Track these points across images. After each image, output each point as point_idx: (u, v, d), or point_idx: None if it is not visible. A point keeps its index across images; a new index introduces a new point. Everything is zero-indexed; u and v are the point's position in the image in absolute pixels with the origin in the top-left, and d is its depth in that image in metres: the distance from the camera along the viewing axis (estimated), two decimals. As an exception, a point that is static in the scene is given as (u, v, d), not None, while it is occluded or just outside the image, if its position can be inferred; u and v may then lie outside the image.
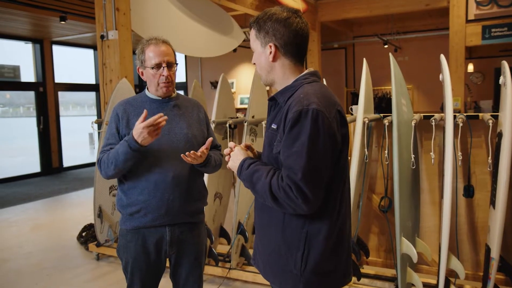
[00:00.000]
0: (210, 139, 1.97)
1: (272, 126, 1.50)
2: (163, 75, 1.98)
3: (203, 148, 1.93)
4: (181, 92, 2.63)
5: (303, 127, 1.35)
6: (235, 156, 1.56)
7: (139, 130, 1.84)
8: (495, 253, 2.57)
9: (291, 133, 1.37)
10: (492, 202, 2.69)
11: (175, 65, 2.05)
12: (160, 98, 2.05)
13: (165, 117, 1.87)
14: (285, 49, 1.48)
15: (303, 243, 1.44)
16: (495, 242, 2.56)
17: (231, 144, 1.61)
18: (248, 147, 1.64)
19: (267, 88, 1.53)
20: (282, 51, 1.48)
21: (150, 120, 1.83)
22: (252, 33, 1.53)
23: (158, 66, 1.97)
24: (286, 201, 1.37)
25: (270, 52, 1.49)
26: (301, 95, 1.41)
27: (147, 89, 2.08)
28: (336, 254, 1.48)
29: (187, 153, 1.89)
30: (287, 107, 1.43)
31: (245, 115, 3.54)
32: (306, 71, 1.53)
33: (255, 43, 1.53)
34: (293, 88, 1.48)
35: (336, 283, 1.52)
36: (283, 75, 1.52)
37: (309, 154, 1.34)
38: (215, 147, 2.20)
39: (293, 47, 1.48)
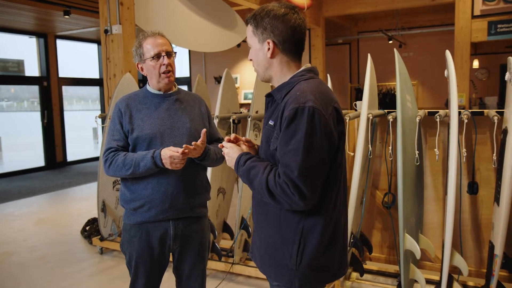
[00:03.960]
0: (204, 130, 1.95)
1: (269, 123, 1.50)
2: (163, 64, 1.98)
3: (198, 141, 1.92)
4: (185, 87, 2.63)
5: (299, 124, 1.35)
6: (230, 153, 1.57)
7: (176, 160, 1.86)
8: (498, 250, 2.56)
9: (287, 131, 1.37)
10: (496, 199, 2.68)
11: (174, 53, 2.05)
12: (162, 93, 2.05)
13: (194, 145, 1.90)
14: (283, 46, 1.47)
15: (298, 238, 1.46)
16: (498, 239, 2.55)
17: (231, 136, 1.62)
18: (248, 142, 1.64)
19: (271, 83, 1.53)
20: (280, 47, 1.48)
21: (184, 149, 1.86)
22: (249, 29, 1.52)
23: (157, 56, 1.98)
24: (283, 197, 1.38)
25: (268, 49, 1.48)
26: (298, 92, 1.41)
27: (148, 84, 2.08)
28: (331, 249, 1.50)
29: (180, 149, 1.88)
30: (283, 104, 1.43)
31: (248, 110, 3.53)
32: (303, 68, 1.52)
33: (252, 39, 1.52)
34: (290, 85, 1.47)
35: (330, 277, 1.54)
36: (280, 72, 1.51)
37: (305, 152, 1.34)
38: (217, 140, 2.20)
39: (291, 43, 1.48)
